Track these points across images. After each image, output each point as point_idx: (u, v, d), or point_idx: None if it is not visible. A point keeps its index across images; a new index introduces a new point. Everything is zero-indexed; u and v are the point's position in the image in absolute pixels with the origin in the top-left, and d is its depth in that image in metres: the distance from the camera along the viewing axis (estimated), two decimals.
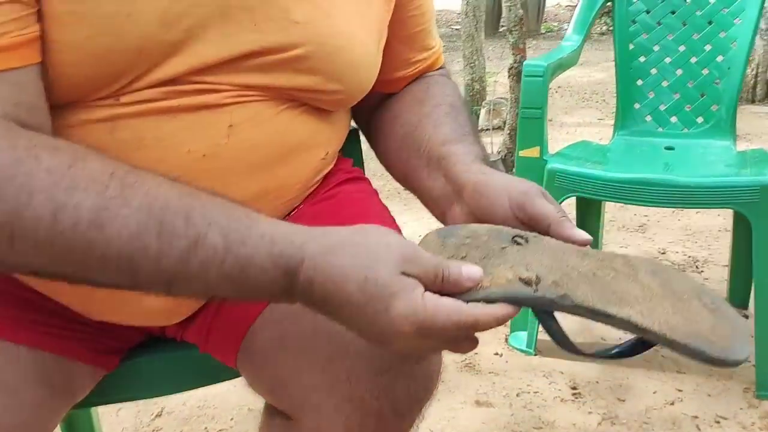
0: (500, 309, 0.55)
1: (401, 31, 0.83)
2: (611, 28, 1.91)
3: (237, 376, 0.81)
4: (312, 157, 0.78)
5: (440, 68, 0.92)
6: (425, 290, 0.55)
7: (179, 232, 0.55)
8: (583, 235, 0.63)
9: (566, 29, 1.95)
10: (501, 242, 0.60)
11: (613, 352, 0.62)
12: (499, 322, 0.55)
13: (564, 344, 0.59)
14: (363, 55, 0.75)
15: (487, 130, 4.12)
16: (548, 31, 8.86)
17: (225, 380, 0.86)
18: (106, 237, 0.54)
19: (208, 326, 0.79)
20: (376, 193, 0.89)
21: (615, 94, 2.07)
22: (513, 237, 0.61)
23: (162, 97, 0.65)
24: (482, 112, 4.31)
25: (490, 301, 0.55)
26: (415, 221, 2.39)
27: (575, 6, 1.98)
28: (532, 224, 0.65)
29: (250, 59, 0.67)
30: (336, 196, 0.82)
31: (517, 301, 0.55)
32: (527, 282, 0.56)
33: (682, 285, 0.60)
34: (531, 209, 0.65)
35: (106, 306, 0.75)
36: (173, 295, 0.58)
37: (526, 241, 0.61)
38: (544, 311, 0.57)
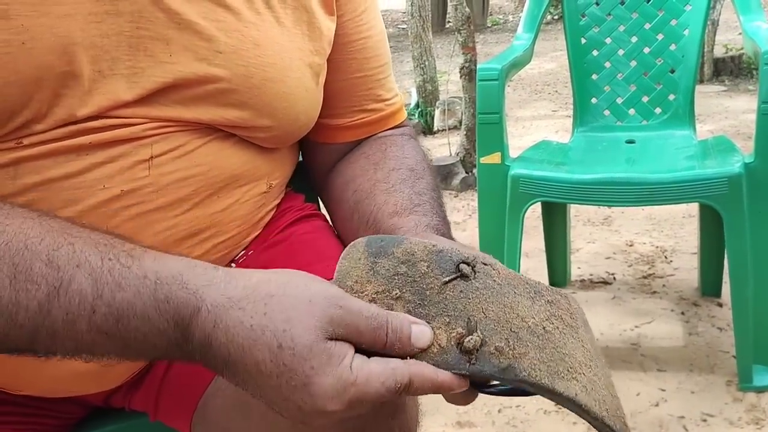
0: (441, 376, 0.48)
1: (341, 74, 0.76)
2: (556, 17, 1.87)
3: None
4: (251, 191, 0.71)
5: (401, 125, 0.83)
6: (354, 352, 0.47)
7: (37, 278, 0.47)
8: None
9: (512, 21, 1.91)
10: (442, 273, 0.52)
11: (496, 390, 0.54)
12: (441, 390, 0.48)
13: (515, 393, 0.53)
14: (297, 88, 0.68)
15: (443, 130, 4.08)
16: (494, 24, 8.90)
17: None
18: None
19: (156, 390, 0.72)
20: (332, 229, 0.82)
21: (567, 84, 2.04)
22: (458, 264, 0.52)
23: (70, 135, 0.58)
24: (437, 112, 4.28)
25: None
26: None
27: None
28: None
29: (167, 93, 0.61)
30: (288, 239, 0.76)
31: (462, 382, 0.48)
32: (466, 351, 0.48)
33: (592, 336, 0.56)
34: None
35: (22, 376, 0.66)
36: (45, 356, 0.49)
37: (473, 270, 0.52)
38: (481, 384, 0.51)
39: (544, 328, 0.51)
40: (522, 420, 1.52)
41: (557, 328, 0.52)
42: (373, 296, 0.50)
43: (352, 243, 0.53)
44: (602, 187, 1.52)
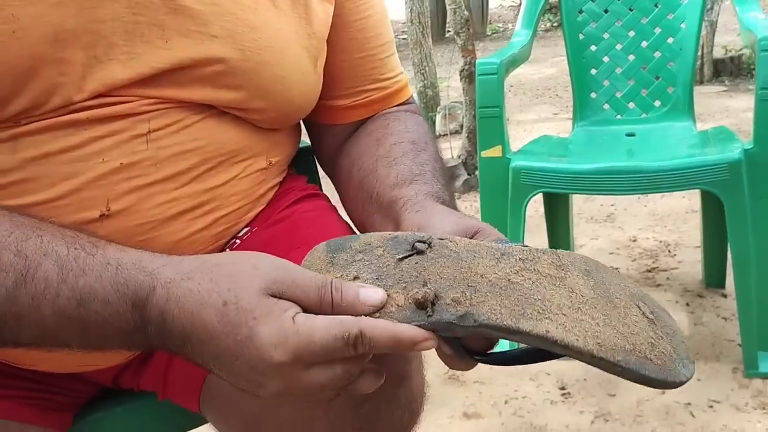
0: (401, 329, 0.48)
1: (342, 55, 0.77)
2: (555, 24, 1.89)
3: (204, 421, 0.75)
4: (251, 167, 0.72)
5: (405, 102, 0.83)
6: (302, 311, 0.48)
7: (5, 267, 0.49)
8: None
9: (512, 29, 1.93)
10: (398, 252, 0.52)
11: (508, 356, 0.54)
12: (402, 344, 0.48)
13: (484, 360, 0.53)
14: (294, 71, 0.69)
15: (444, 135, 4.10)
16: (494, 33, 8.94)
17: (191, 428, 0.79)
18: None
19: (164, 369, 0.73)
20: (334, 209, 0.83)
21: (567, 88, 2.05)
22: (413, 244, 0.53)
23: (67, 112, 0.59)
24: (438, 117, 4.30)
25: None
26: None
27: (518, 5, 1.95)
28: None
29: (163, 77, 0.62)
30: (290, 217, 0.76)
31: (426, 334, 0.49)
32: (421, 304, 0.49)
33: (620, 289, 0.52)
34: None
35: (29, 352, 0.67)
36: (12, 345, 0.51)
37: (429, 246, 0.53)
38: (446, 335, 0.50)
39: (509, 280, 0.50)
40: (529, 410, 1.53)
41: (528, 279, 0.51)
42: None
43: (314, 247, 0.55)
44: (603, 176, 1.53)
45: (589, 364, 0.48)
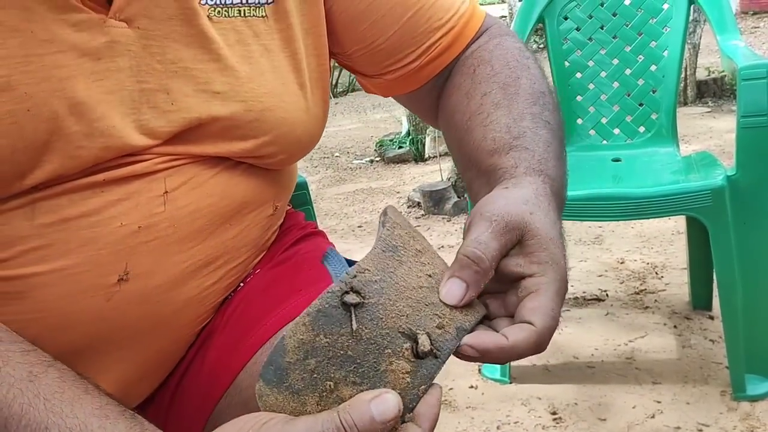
0: (424, 417, 0.46)
1: (391, 27, 0.72)
2: (541, 46, 1.93)
3: None
4: (259, 216, 0.73)
5: (483, 30, 0.75)
6: None
7: None
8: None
9: None
10: (341, 325, 0.46)
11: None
12: (434, 414, 0.46)
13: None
14: (296, 110, 0.70)
15: (434, 157, 4.14)
16: None
17: None
18: None
19: (167, 406, 0.74)
20: (332, 246, 0.84)
21: None
22: (343, 303, 0.46)
23: (84, 174, 0.59)
24: (428, 140, 4.33)
25: None
26: None
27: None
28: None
29: (175, 137, 0.63)
30: (292, 258, 0.77)
31: (437, 396, 0.48)
32: (424, 354, 0.47)
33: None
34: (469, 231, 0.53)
35: None
36: None
37: (357, 293, 0.47)
38: None
39: (429, 275, 0.50)
40: None
41: (431, 273, 0.51)
42: (316, 407, 0.45)
43: (256, 388, 0.46)
44: (591, 203, 1.55)
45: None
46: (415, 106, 0.83)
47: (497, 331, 0.50)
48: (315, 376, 0.45)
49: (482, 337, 0.49)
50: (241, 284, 0.73)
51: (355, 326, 0.45)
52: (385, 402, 0.43)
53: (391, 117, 6.07)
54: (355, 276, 0.47)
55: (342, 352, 0.45)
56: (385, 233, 0.51)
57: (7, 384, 0.49)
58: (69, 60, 0.57)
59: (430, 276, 0.50)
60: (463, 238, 0.53)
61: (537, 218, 0.52)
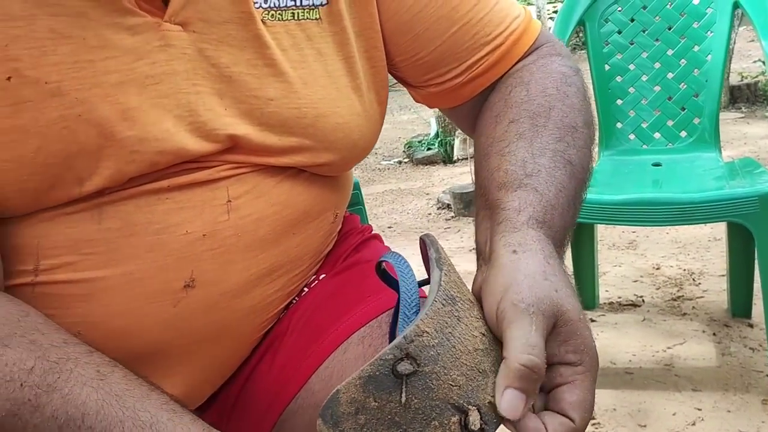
0: None
1: (434, 40, 0.70)
2: (580, 44, 1.91)
3: None
4: (322, 223, 0.72)
5: (536, 46, 0.72)
6: None
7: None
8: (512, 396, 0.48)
9: None
10: (392, 393, 0.45)
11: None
12: None
13: None
14: (351, 115, 0.68)
15: (463, 159, 4.13)
16: None
17: None
18: None
19: (231, 406, 0.74)
20: (389, 250, 0.84)
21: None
22: (396, 371, 0.45)
23: (150, 179, 0.60)
24: (457, 141, 4.33)
25: None
26: None
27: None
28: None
29: (232, 144, 0.63)
30: (357, 265, 0.76)
31: None
32: (468, 429, 0.45)
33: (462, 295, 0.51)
34: (506, 333, 0.49)
35: None
36: None
37: (412, 359, 0.46)
38: None
39: (482, 334, 0.49)
40: None
41: (480, 335, 0.49)
42: None
43: (317, 423, 0.47)
44: (631, 208, 1.54)
45: None
46: (458, 120, 0.81)
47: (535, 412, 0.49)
48: (365, 430, 0.45)
49: (527, 423, 0.47)
50: (306, 289, 0.73)
51: (404, 399, 0.45)
52: None
53: (419, 118, 6.07)
54: (412, 341, 0.46)
55: (390, 417, 0.45)
56: (444, 280, 0.49)
57: (80, 383, 0.51)
58: (122, 65, 0.57)
59: (483, 335, 0.49)
60: (491, 319, 0.51)
61: (565, 298, 0.50)
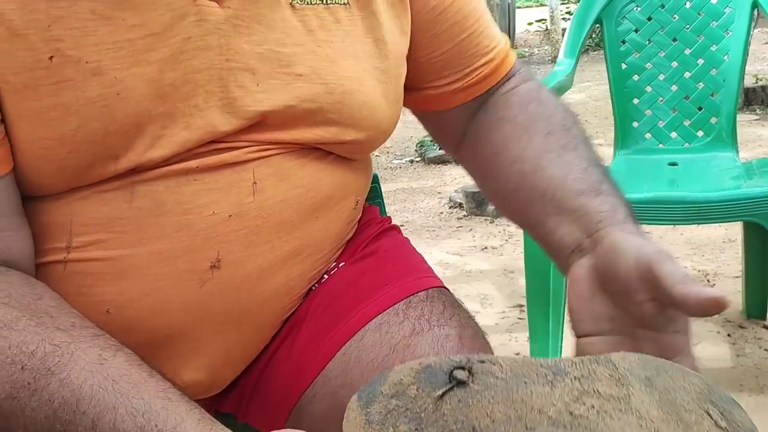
0: None
1: (446, 43, 0.76)
2: (585, 49, 1.91)
3: None
4: (344, 208, 0.74)
5: (514, 71, 0.80)
6: None
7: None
8: (712, 293, 0.52)
9: (537, 53, 1.96)
10: (434, 388, 0.45)
11: None
12: None
13: None
14: (376, 94, 0.71)
15: None
16: (520, 57, 8.98)
17: None
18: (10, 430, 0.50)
19: (250, 393, 0.75)
20: (408, 242, 0.85)
21: (596, 114, 2.08)
22: (451, 372, 0.45)
23: (180, 159, 0.61)
24: None
25: None
26: None
27: (545, 30, 1.98)
28: (655, 287, 0.55)
29: (261, 121, 0.64)
30: (376, 253, 0.78)
31: None
32: None
33: (685, 393, 0.47)
34: (657, 269, 0.54)
35: None
36: None
37: (470, 373, 0.46)
38: None
39: (571, 413, 0.43)
40: None
41: (592, 407, 0.44)
42: None
43: (349, 404, 0.47)
44: (648, 206, 1.53)
45: None
46: (437, 127, 0.85)
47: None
48: (388, 417, 0.45)
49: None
50: (326, 276, 0.74)
51: (441, 395, 0.45)
52: None
53: None
54: (483, 362, 0.46)
55: (417, 411, 0.44)
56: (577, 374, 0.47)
57: (79, 367, 0.52)
58: (158, 42, 0.58)
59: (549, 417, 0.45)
60: (629, 267, 0.56)
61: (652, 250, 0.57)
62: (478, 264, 2.65)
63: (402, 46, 0.75)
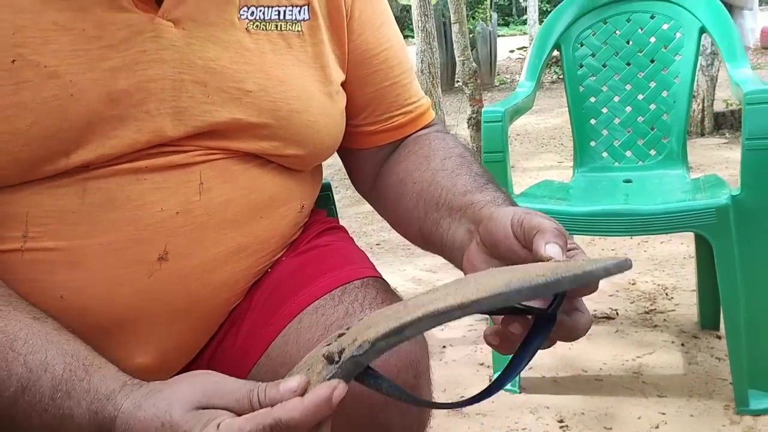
0: (308, 398, 0.50)
1: (369, 87, 0.84)
2: (561, 77, 2.01)
3: None
4: (288, 211, 0.80)
5: (431, 124, 0.90)
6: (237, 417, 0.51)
7: (13, 377, 0.57)
8: (551, 251, 0.58)
9: (518, 80, 2.05)
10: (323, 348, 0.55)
11: (468, 398, 0.56)
12: (320, 407, 0.49)
13: (406, 398, 0.55)
14: (320, 115, 0.77)
15: None
16: (502, 84, 9.15)
17: None
18: None
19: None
20: (352, 240, 0.92)
21: (571, 138, 2.16)
22: (338, 335, 0.55)
23: (130, 159, 0.67)
24: None
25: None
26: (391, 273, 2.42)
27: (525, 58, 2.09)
28: (528, 240, 0.61)
29: (209, 131, 0.70)
30: (317, 247, 0.84)
31: (332, 382, 0.50)
32: (329, 358, 0.51)
33: (543, 267, 0.53)
34: (528, 223, 0.61)
35: None
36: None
37: (348, 328, 0.56)
38: (364, 375, 0.52)
39: (404, 305, 0.53)
40: None
41: (426, 296, 0.52)
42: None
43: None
44: (601, 218, 1.62)
45: (497, 307, 0.50)
46: (353, 167, 0.92)
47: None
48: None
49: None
50: (269, 270, 0.80)
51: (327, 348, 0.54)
52: (291, 379, 0.53)
53: None
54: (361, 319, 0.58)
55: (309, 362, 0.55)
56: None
57: (16, 320, 0.60)
58: (114, 53, 0.64)
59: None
60: (507, 229, 0.64)
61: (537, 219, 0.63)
62: (449, 279, 2.71)
63: (340, 75, 0.82)
